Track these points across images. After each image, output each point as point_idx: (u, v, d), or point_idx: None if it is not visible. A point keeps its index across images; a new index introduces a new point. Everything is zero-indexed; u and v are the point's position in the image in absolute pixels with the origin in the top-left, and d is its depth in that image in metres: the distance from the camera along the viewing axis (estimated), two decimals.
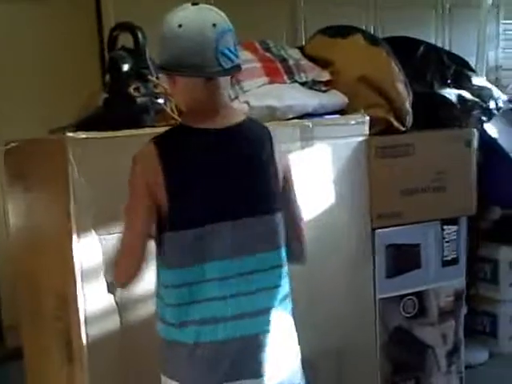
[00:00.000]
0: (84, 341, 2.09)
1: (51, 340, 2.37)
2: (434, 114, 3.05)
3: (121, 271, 1.78)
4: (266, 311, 1.74)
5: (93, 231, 2.11)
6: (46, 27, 3.70)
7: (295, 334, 1.83)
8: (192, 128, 1.72)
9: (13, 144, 2.47)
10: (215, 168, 1.71)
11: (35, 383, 2.70)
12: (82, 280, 2.09)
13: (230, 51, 1.69)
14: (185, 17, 1.66)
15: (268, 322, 1.73)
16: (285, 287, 1.79)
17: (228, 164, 1.72)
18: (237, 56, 1.73)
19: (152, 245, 1.77)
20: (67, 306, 2.17)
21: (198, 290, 1.68)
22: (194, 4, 1.70)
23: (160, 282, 1.76)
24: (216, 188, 1.70)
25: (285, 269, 1.79)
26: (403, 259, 2.85)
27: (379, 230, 2.77)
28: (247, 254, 1.72)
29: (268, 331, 1.73)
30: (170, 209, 1.67)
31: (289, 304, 1.82)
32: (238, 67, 1.76)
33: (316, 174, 2.61)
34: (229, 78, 1.78)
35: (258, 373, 1.71)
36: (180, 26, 1.64)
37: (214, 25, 1.65)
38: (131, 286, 1.82)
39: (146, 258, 1.73)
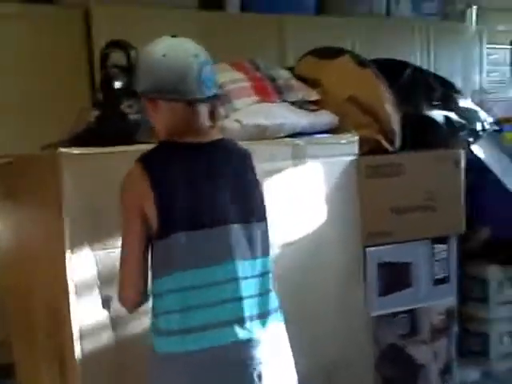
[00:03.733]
0: (77, 356, 2.07)
1: (43, 355, 2.35)
2: (421, 135, 3.07)
3: (125, 297, 1.80)
4: (261, 316, 1.77)
5: (86, 246, 2.09)
6: (34, 43, 3.69)
7: (288, 344, 1.85)
8: (175, 142, 1.80)
9: (3, 160, 2.46)
10: (200, 177, 1.77)
11: None
12: (75, 295, 2.07)
13: (210, 80, 1.81)
14: (168, 47, 1.79)
15: (262, 328, 1.76)
16: (275, 295, 1.84)
17: (213, 173, 1.79)
18: (216, 86, 1.87)
19: None
20: (60, 321, 2.14)
21: (193, 296, 1.71)
22: (173, 36, 1.82)
23: (153, 293, 1.76)
24: (202, 195, 1.76)
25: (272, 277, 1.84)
26: (395, 277, 2.85)
27: (370, 249, 2.78)
28: (238, 259, 1.75)
29: (262, 337, 1.75)
30: (158, 218, 1.71)
31: (281, 315, 1.85)
32: (217, 96, 1.89)
33: (307, 192, 2.62)
34: (208, 104, 1.86)
35: (252, 380, 1.72)
36: (164, 55, 1.76)
37: (196, 55, 1.78)
38: (138, 308, 1.83)
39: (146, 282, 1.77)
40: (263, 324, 1.76)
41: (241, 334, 1.71)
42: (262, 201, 1.86)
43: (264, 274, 1.81)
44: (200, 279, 1.71)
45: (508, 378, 3.41)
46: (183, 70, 1.75)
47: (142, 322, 2.12)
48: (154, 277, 1.76)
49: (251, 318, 1.74)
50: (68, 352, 2.11)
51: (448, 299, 3.04)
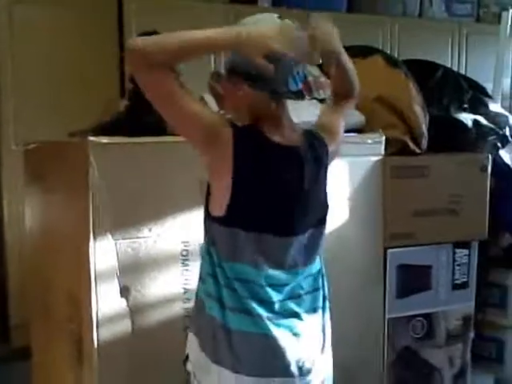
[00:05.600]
0: (95, 343, 2.09)
1: (61, 340, 2.38)
2: (449, 138, 3.05)
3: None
4: (312, 311, 1.80)
5: (109, 235, 2.11)
6: (66, 31, 3.75)
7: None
8: (267, 138, 1.69)
9: (33, 145, 2.49)
10: (284, 181, 1.71)
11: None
12: (95, 282, 2.09)
13: (300, 76, 1.70)
14: None
15: (313, 322, 1.80)
16: (325, 288, 1.87)
17: (297, 182, 1.73)
18: (302, 81, 1.72)
19: None
20: (80, 307, 2.17)
21: (255, 291, 1.70)
22: (279, 17, 1.69)
23: (222, 272, 1.71)
24: (283, 200, 1.72)
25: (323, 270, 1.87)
26: (414, 280, 2.85)
27: (391, 250, 2.77)
28: (300, 266, 1.77)
29: (312, 330, 1.79)
30: (232, 201, 1.64)
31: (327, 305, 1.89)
32: (300, 91, 1.75)
33: (331, 190, 2.60)
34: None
35: (300, 371, 1.74)
36: None
37: None
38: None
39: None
40: (315, 318, 1.80)
41: (298, 326, 1.74)
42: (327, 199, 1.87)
43: (318, 272, 1.84)
44: (262, 278, 1.70)
45: None
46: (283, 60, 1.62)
47: (159, 311, 2.17)
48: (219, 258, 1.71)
49: (307, 312, 1.78)
50: (86, 338, 2.14)
51: (466, 304, 3.02)
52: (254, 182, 1.67)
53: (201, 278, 1.79)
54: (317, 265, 1.84)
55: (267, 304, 1.71)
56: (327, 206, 1.86)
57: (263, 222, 1.69)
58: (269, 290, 1.71)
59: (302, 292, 1.77)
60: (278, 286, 1.73)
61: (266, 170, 1.68)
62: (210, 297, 1.73)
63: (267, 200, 1.69)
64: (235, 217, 1.66)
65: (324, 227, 1.84)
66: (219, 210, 1.67)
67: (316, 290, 1.82)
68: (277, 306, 1.72)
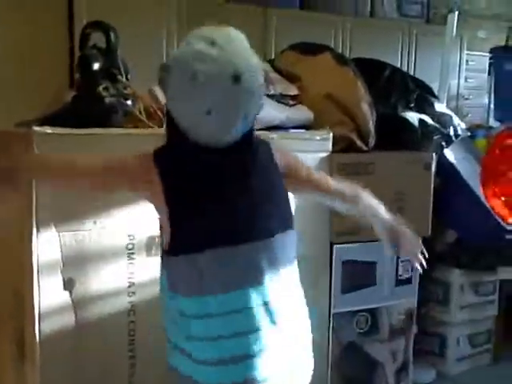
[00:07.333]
0: (37, 338, 2.06)
1: (3, 338, 2.32)
2: (395, 136, 3.10)
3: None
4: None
5: (52, 227, 2.08)
6: (14, 21, 3.68)
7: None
8: (193, 144, 1.58)
9: None
10: (220, 189, 1.59)
11: None
12: (38, 275, 2.05)
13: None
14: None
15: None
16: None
17: (239, 178, 1.62)
18: None
19: None
20: (21, 301, 2.13)
21: (219, 324, 1.55)
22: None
23: (177, 310, 1.59)
24: (225, 209, 1.57)
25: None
26: (359, 276, 2.89)
27: (337, 246, 2.80)
28: (267, 280, 1.60)
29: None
30: (173, 232, 1.56)
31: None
32: None
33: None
34: None
35: None
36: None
37: None
38: None
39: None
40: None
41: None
42: (286, 210, 1.69)
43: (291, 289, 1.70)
44: (224, 305, 1.54)
45: (463, 380, 3.47)
46: None
47: (103, 304, 2.14)
48: (176, 292, 1.58)
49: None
50: (27, 333, 2.10)
51: (409, 300, 3.08)
52: (187, 196, 1.57)
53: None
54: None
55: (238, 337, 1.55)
56: (286, 208, 1.69)
57: (204, 235, 1.54)
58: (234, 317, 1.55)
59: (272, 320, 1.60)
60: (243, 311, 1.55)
61: (196, 176, 1.58)
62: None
63: (204, 210, 1.56)
64: (179, 243, 1.56)
65: (289, 234, 1.67)
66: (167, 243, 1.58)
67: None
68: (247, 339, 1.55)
